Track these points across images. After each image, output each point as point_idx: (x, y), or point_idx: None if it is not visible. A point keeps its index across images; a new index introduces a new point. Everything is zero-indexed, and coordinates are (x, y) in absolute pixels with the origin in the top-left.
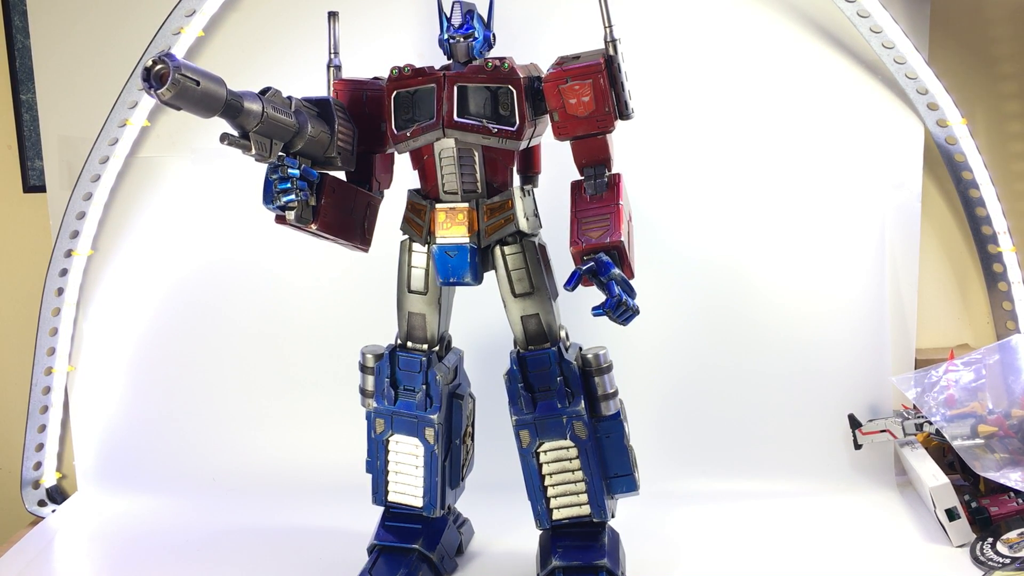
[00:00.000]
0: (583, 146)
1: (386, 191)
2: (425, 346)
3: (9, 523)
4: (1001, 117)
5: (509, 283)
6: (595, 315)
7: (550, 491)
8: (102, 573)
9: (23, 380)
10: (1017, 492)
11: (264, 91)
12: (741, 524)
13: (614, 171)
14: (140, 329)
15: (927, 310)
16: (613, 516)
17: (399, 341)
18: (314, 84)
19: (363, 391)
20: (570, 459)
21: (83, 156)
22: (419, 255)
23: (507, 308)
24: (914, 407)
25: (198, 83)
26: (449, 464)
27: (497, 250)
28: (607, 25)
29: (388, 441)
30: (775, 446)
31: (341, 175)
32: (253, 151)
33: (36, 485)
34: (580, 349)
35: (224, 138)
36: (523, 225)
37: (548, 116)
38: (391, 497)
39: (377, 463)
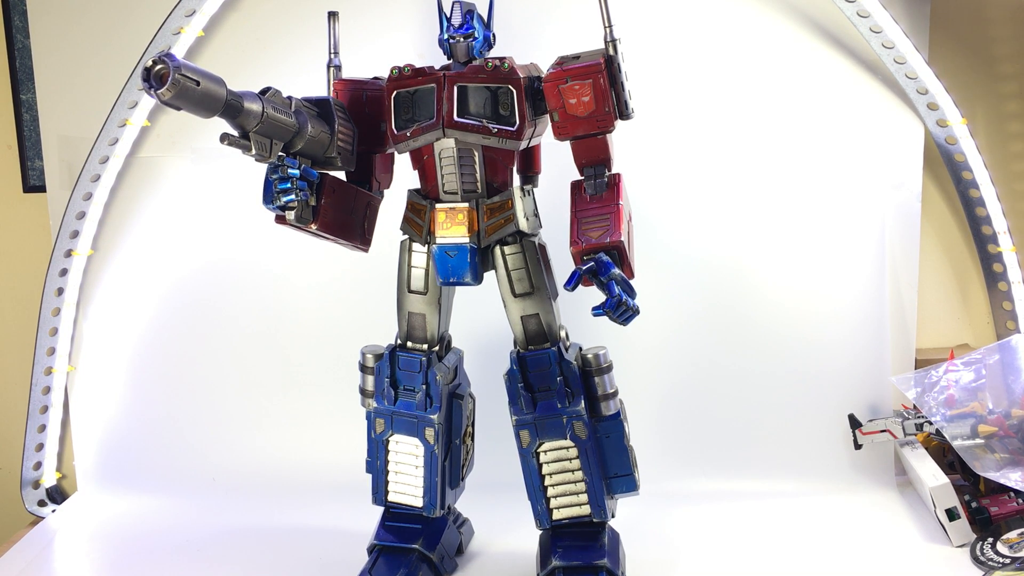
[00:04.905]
0: (583, 146)
1: (386, 191)
2: (425, 346)
3: (9, 523)
4: (1001, 117)
5: (509, 283)
6: (595, 315)
7: (550, 491)
8: (102, 573)
9: (23, 380)
10: (1017, 492)
11: (264, 91)
12: (741, 524)
13: (614, 171)
14: (140, 329)
15: (927, 310)
16: (613, 516)
17: (399, 341)
18: (314, 84)
19: (363, 391)
20: (570, 459)
21: (83, 156)
22: (419, 255)
23: (507, 308)
24: (914, 407)
25: (198, 83)
26: (449, 464)
27: (497, 250)
28: (607, 25)
29: (388, 441)
30: (775, 446)
31: (341, 175)
32: (253, 151)
33: (36, 485)
34: (580, 349)
35: (224, 138)
36: (523, 225)
37: (548, 116)
38: (391, 497)
39: (377, 463)
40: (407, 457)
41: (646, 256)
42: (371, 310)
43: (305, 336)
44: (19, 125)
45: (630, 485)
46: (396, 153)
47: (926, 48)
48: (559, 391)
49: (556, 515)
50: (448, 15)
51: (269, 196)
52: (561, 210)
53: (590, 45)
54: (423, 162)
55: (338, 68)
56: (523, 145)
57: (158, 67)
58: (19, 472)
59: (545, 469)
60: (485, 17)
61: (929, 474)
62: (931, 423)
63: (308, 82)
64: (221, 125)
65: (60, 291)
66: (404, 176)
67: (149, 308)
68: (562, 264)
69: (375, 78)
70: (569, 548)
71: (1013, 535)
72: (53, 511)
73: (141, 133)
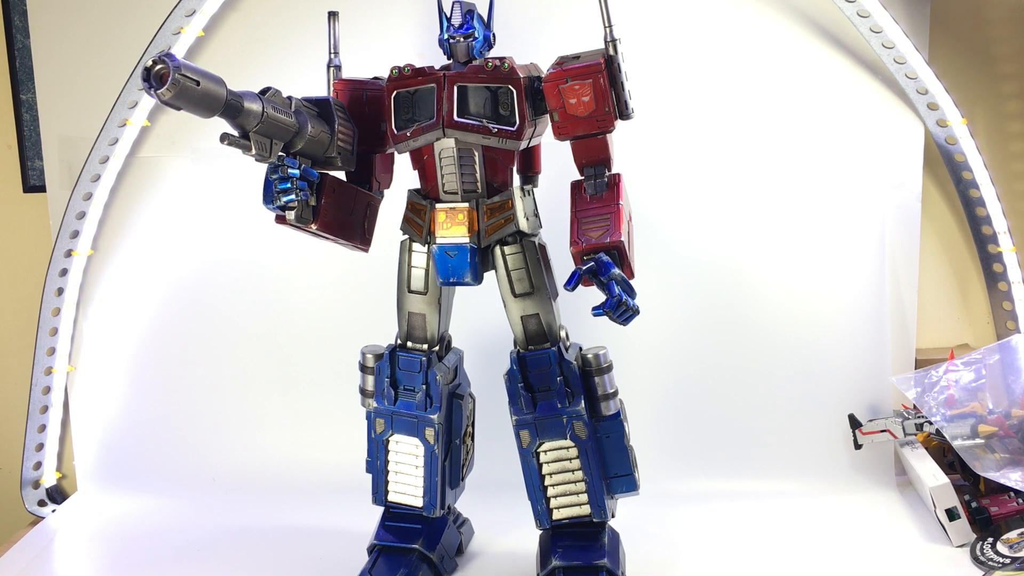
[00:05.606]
0: (583, 146)
1: (386, 191)
2: (425, 346)
3: (9, 523)
4: (1001, 117)
5: (509, 283)
6: (595, 315)
7: (550, 491)
8: (102, 573)
9: (23, 380)
10: (1017, 492)
11: (264, 91)
12: (741, 524)
13: (614, 171)
14: (140, 329)
15: (927, 310)
16: (613, 516)
17: (399, 341)
18: (314, 84)
19: (363, 391)
20: (570, 459)
21: (83, 156)
22: (419, 255)
23: (507, 308)
24: (914, 407)
25: (198, 83)
26: (449, 464)
27: (497, 250)
28: (607, 25)
29: (388, 441)
30: (775, 446)
31: (341, 175)
32: (253, 151)
33: (36, 485)
34: (580, 349)
35: (224, 138)
36: (523, 225)
37: (548, 116)
38: (391, 497)
39: (377, 463)
40: (407, 457)
41: (646, 256)
42: (371, 310)
43: (305, 336)
44: (19, 125)
45: (630, 485)
46: (396, 153)
47: (926, 48)
48: (559, 391)
49: (556, 515)
50: (448, 15)
51: (269, 196)
52: (561, 210)
53: (590, 45)
54: (423, 162)
55: (338, 68)
56: (523, 145)
57: (158, 67)
58: (19, 472)
59: (545, 469)
60: (485, 17)
61: (929, 474)
62: (931, 423)
63: (308, 82)
64: (221, 125)
65: (60, 291)
66: (404, 176)
67: (149, 308)
68: (562, 264)
69: (375, 78)
70: (569, 548)
71: (1013, 535)
72: (53, 511)
73: (141, 133)
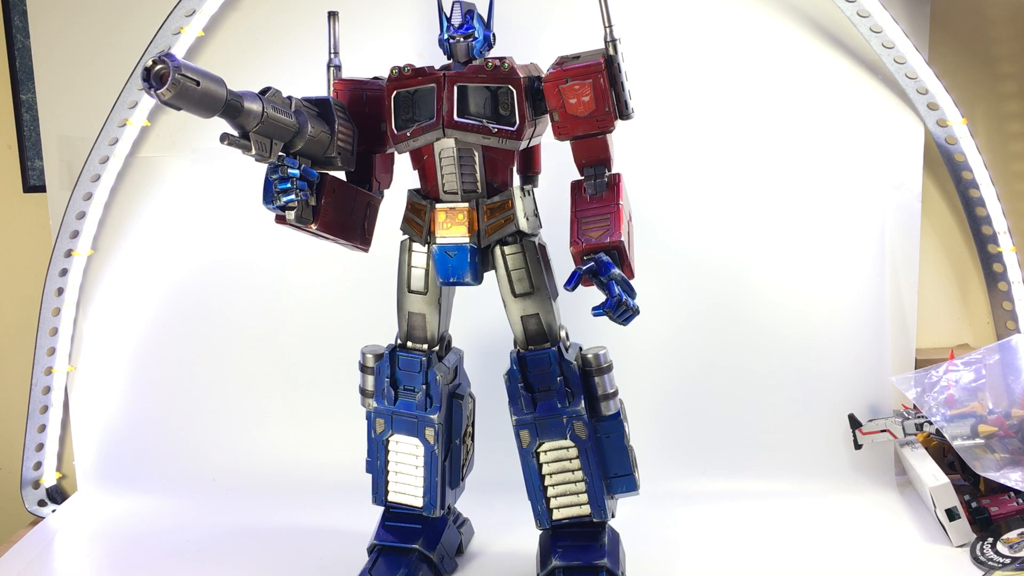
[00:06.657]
0: (583, 146)
1: (386, 191)
2: (425, 346)
3: (9, 523)
4: (1001, 117)
5: (509, 283)
6: (595, 315)
7: (550, 491)
8: (102, 573)
9: (23, 380)
10: (1017, 492)
11: (264, 91)
12: (741, 524)
13: (614, 171)
14: (140, 329)
15: (927, 310)
16: (613, 516)
17: (399, 341)
18: (314, 84)
19: (363, 391)
20: (570, 459)
21: (83, 156)
22: (419, 255)
23: (507, 308)
24: (914, 407)
25: (198, 83)
26: (449, 464)
27: (497, 250)
28: (607, 25)
29: (388, 441)
30: (775, 446)
31: (341, 175)
32: (253, 151)
33: (36, 485)
34: (580, 349)
35: (224, 138)
36: (523, 225)
37: (548, 116)
38: (391, 497)
39: (377, 463)
40: (407, 457)
41: (646, 256)
42: (371, 310)
43: (305, 336)
44: (19, 125)
45: (630, 485)
46: (396, 153)
47: (926, 48)
48: (559, 391)
49: (556, 515)
50: (448, 15)
51: (269, 196)
52: (561, 210)
53: (590, 45)
54: (423, 162)
55: (338, 68)
56: (523, 145)
57: (158, 67)
58: (19, 472)
59: (545, 469)
60: (485, 17)
61: (929, 474)
62: (931, 423)
63: (308, 82)
64: (221, 125)
65: (60, 291)
66: (404, 176)
67: (149, 308)
68: (562, 264)
69: (375, 78)
70: (569, 548)
71: (1013, 535)
72: (53, 511)
73: (141, 133)
